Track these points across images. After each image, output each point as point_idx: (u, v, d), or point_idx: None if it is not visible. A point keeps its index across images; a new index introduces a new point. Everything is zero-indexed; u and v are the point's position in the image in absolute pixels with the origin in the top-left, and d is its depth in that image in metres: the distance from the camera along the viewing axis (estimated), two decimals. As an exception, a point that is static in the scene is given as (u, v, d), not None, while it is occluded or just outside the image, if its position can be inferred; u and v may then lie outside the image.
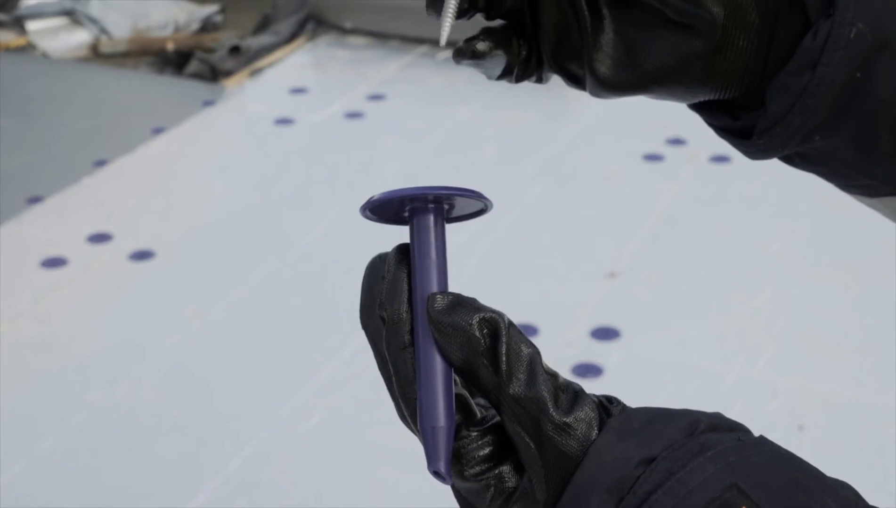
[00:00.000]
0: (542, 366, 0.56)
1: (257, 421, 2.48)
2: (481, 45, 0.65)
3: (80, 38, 5.33)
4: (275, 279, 2.99)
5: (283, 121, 3.95)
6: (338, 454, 2.39)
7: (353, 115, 3.98)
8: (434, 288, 0.57)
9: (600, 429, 0.55)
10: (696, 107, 0.66)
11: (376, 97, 4.13)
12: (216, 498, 2.28)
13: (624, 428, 0.54)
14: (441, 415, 0.57)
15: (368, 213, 0.58)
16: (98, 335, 2.79)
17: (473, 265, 2.98)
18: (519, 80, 0.68)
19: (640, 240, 3.07)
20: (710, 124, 0.66)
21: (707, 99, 0.64)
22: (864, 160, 0.61)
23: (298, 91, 4.23)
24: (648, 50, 0.62)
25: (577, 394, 0.56)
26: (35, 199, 3.42)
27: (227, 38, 5.08)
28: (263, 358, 2.69)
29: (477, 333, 0.55)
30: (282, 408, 2.51)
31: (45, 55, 5.13)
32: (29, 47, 5.21)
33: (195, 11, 5.65)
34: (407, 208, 0.58)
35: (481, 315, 0.56)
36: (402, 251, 0.59)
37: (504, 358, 0.55)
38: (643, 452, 0.53)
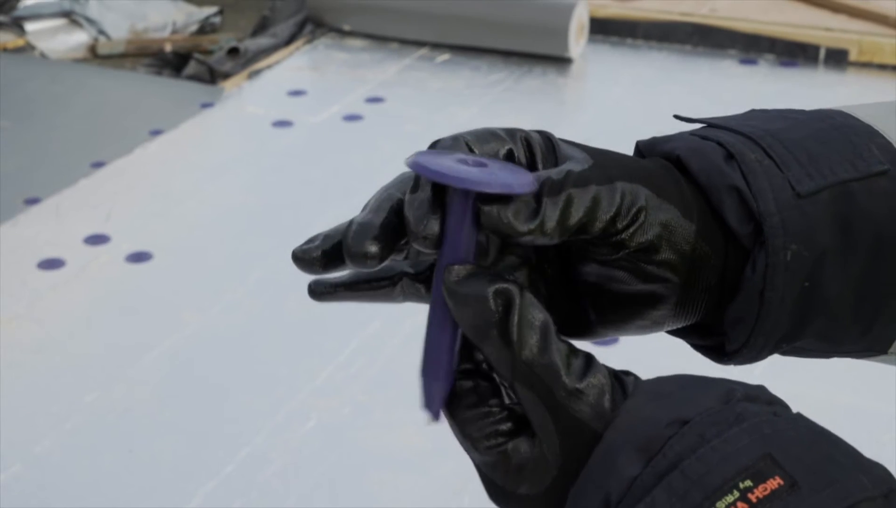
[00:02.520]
0: (555, 335, 0.56)
1: (254, 423, 2.48)
2: (373, 247, 0.59)
3: (78, 38, 5.33)
4: (272, 281, 2.99)
5: (282, 123, 3.95)
6: (334, 456, 2.39)
7: (352, 118, 3.98)
8: (457, 257, 0.57)
9: (613, 397, 0.56)
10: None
11: (375, 99, 4.13)
12: (213, 500, 2.28)
13: (657, 391, 0.55)
14: (441, 372, 0.59)
15: (418, 167, 0.57)
16: (95, 336, 2.79)
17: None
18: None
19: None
20: (685, 341, 0.68)
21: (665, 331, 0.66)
22: (835, 347, 0.64)
23: (297, 93, 4.23)
24: (609, 309, 0.63)
25: (589, 361, 0.56)
26: (32, 201, 3.42)
27: (225, 40, 5.08)
28: (261, 361, 2.69)
29: (491, 304, 0.56)
30: (279, 411, 2.51)
31: (43, 56, 5.13)
32: (27, 48, 5.21)
33: (193, 13, 5.65)
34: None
35: (496, 286, 0.56)
36: (438, 195, 0.58)
37: (515, 328, 0.55)
38: (675, 414, 0.53)
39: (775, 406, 0.55)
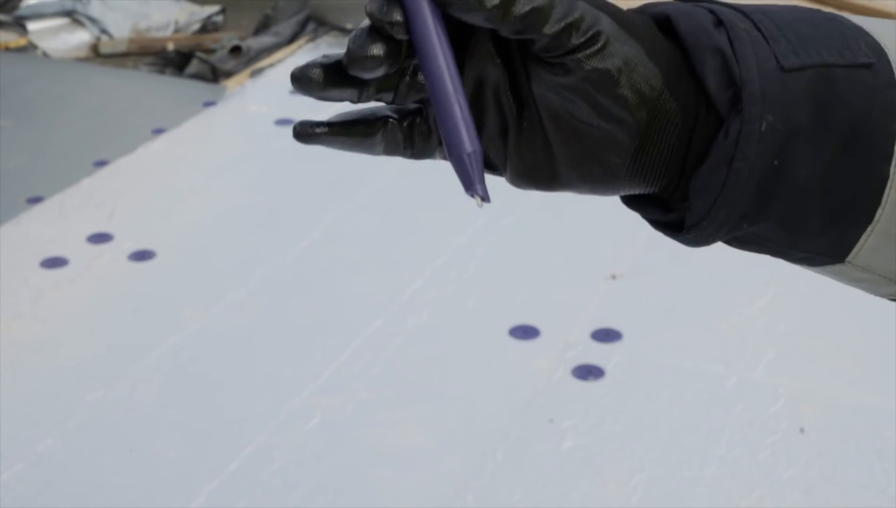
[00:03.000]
0: None
1: (257, 421, 2.48)
2: (375, 47, 0.59)
3: (80, 38, 5.33)
4: (275, 279, 2.99)
5: (284, 122, 3.95)
6: (337, 455, 2.39)
7: (354, 116, 3.97)
8: (426, 35, 0.59)
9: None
10: (626, 201, 0.67)
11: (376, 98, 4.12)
12: (216, 499, 2.28)
13: None
14: (466, 141, 0.59)
15: None
16: (98, 335, 2.79)
17: (474, 266, 2.98)
18: (412, 150, 0.67)
19: (642, 242, 3.07)
20: (644, 217, 0.66)
21: (627, 193, 0.65)
22: (794, 238, 0.62)
23: (299, 92, 4.23)
24: (570, 145, 0.62)
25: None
26: (35, 199, 3.42)
27: (227, 39, 5.08)
28: (263, 359, 2.69)
29: None
30: (282, 409, 2.51)
31: (45, 55, 5.13)
32: (30, 47, 5.21)
33: (196, 12, 5.65)
34: None
35: None
36: None
37: None
38: None
39: None
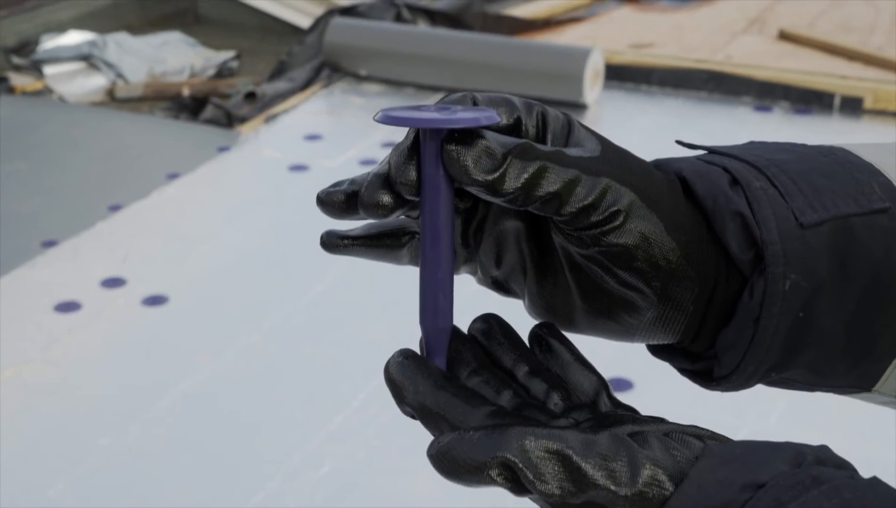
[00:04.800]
0: (576, 450, 0.54)
1: (268, 467, 2.47)
2: (385, 197, 0.59)
3: (96, 82, 5.37)
4: (287, 325, 2.99)
5: (298, 168, 3.96)
6: (348, 502, 2.38)
7: (368, 162, 3.99)
8: (435, 202, 0.58)
9: (670, 472, 0.53)
10: (652, 350, 0.68)
11: (391, 144, 4.14)
12: (226, 546, 2.27)
13: (725, 454, 0.54)
14: (437, 318, 0.60)
15: (382, 117, 0.57)
16: (110, 379, 2.79)
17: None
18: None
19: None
20: (672, 365, 0.68)
21: (646, 343, 0.66)
22: (822, 380, 0.64)
23: (313, 137, 4.25)
24: (588, 300, 0.63)
25: (631, 453, 0.54)
26: (49, 243, 3.44)
27: (242, 84, 5.11)
28: (274, 405, 2.69)
29: (497, 479, 0.55)
30: (293, 456, 2.50)
31: (61, 99, 5.17)
32: (46, 91, 5.25)
33: (211, 57, 5.69)
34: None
35: (495, 468, 0.55)
36: (417, 143, 0.58)
37: (535, 484, 0.54)
38: (748, 477, 0.52)
39: (846, 469, 0.54)
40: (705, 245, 0.61)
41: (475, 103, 0.60)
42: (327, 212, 0.62)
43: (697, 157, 0.65)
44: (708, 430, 0.57)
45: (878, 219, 0.61)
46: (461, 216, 0.65)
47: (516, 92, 4.27)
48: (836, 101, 4.41)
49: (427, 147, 0.57)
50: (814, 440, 0.59)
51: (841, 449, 0.57)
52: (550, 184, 0.57)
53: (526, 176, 0.56)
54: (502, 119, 0.60)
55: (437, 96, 4.54)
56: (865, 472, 0.55)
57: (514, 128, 0.60)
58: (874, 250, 0.60)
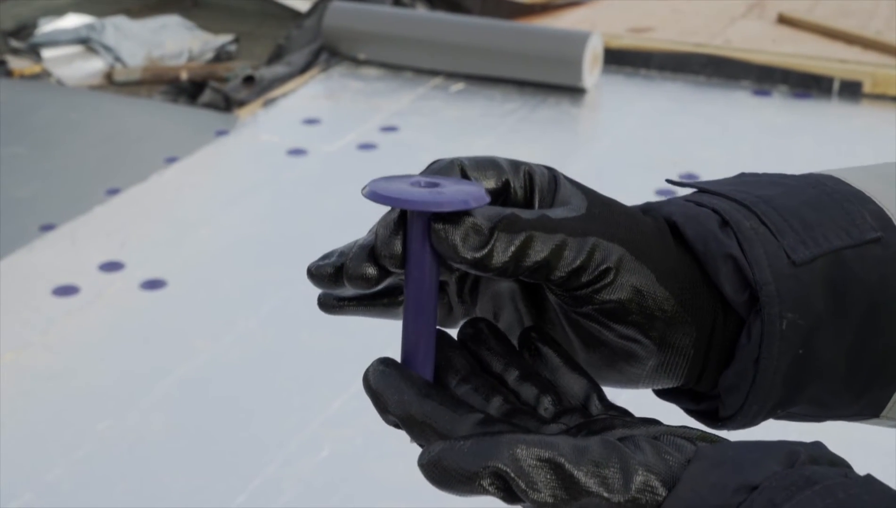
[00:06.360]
0: (569, 458, 0.53)
1: (266, 452, 2.47)
2: (370, 270, 0.59)
3: (94, 66, 5.36)
4: (285, 310, 2.99)
5: (296, 152, 3.96)
6: (347, 487, 2.38)
7: (366, 146, 3.99)
8: (421, 277, 0.58)
9: (662, 477, 0.53)
10: (659, 393, 0.68)
11: (389, 128, 4.14)
12: (224, 530, 2.28)
13: (717, 456, 0.53)
14: (420, 366, 0.61)
15: (370, 195, 0.57)
16: (108, 364, 2.79)
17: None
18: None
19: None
20: (678, 406, 0.67)
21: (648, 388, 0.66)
22: (827, 412, 0.64)
23: (311, 121, 4.25)
24: (588, 351, 0.63)
25: (623, 460, 0.54)
26: (47, 227, 3.43)
27: (240, 68, 5.10)
28: (272, 390, 2.69)
29: (488, 488, 0.54)
30: (291, 440, 2.50)
31: (59, 83, 5.16)
32: (44, 75, 5.24)
33: (209, 41, 5.68)
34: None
35: (487, 477, 0.54)
36: (404, 216, 0.58)
37: (526, 492, 0.53)
38: (741, 479, 0.52)
39: (840, 467, 0.53)
40: (700, 289, 0.61)
41: (463, 171, 0.60)
42: (317, 285, 0.63)
43: (686, 198, 0.65)
44: (698, 430, 0.56)
45: (871, 249, 0.60)
46: (455, 276, 0.65)
47: (517, 77, 4.26)
48: (835, 85, 4.40)
49: (414, 223, 0.57)
50: (808, 435, 0.59)
51: (838, 439, 0.57)
52: (538, 254, 0.57)
53: (513, 249, 0.57)
54: (491, 183, 0.60)
55: (436, 80, 4.53)
56: (864, 460, 0.54)
57: (502, 191, 0.61)
58: (869, 280, 0.60)
